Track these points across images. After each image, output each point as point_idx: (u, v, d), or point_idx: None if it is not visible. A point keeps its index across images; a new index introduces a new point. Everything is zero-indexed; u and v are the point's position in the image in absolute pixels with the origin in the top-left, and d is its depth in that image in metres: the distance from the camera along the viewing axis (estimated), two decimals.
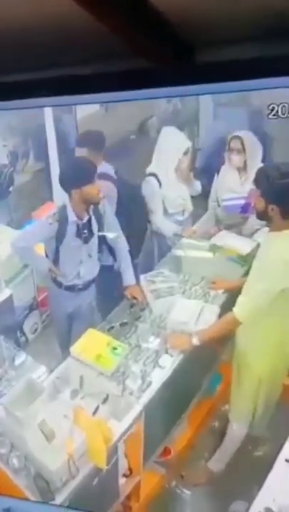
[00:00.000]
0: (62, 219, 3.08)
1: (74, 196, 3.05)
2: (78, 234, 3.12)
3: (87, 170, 3.06)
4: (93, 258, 3.23)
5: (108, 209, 3.22)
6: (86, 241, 3.16)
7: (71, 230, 3.10)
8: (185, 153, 3.62)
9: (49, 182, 4.24)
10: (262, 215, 2.60)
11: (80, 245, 3.16)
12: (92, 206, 3.11)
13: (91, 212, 3.12)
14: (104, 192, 3.33)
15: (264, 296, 2.57)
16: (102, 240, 3.22)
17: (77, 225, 3.10)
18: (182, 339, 2.82)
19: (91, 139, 3.71)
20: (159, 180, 3.65)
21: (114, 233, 3.22)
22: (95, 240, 3.19)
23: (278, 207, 2.51)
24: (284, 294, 2.53)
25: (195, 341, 2.74)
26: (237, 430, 2.95)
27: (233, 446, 2.96)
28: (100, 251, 3.24)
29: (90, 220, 3.13)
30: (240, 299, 2.66)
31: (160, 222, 3.73)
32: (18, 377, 2.74)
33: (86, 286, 3.29)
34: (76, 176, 3.08)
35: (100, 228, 3.18)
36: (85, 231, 3.13)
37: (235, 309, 2.66)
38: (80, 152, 3.52)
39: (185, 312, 2.91)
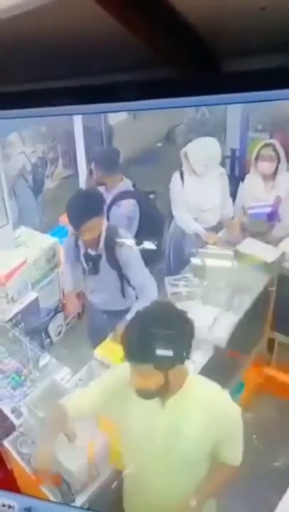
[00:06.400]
0: None
1: None
2: None
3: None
4: None
5: None
6: None
7: None
8: None
9: (77, 188, 4.31)
10: None
11: None
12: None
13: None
14: (127, 211, 3.46)
15: None
16: None
17: None
18: None
19: (105, 160, 3.78)
20: (182, 178, 3.69)
21: None
22: None
23: None
24: None
25: None
26: None
27: None
28: None
29: None
30: None
31: (180, 218, 3.77)
32: (42, 378, 2.77)
33: None
34: None
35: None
36: None
37: None
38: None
39: (201, 318, 2.90)
